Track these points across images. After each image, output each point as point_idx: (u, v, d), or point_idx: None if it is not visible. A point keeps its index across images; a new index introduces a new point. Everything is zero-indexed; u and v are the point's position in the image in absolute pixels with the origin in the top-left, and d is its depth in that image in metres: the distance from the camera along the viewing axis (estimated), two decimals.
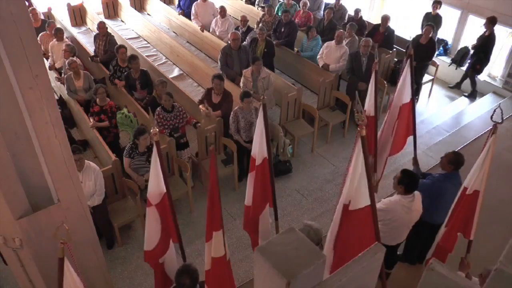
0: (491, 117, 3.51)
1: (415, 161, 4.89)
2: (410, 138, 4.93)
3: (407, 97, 4.64)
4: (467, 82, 8.73)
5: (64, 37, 8.08)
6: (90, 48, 8.41)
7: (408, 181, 3.95)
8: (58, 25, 9.53)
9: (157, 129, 3.26)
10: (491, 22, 7.80)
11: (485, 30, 7.91)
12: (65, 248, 2.60)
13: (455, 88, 8.93)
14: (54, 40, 7.73)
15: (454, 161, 4.28)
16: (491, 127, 3.71)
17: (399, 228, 4.13)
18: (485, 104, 8.29)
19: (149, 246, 3.75)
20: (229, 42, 7.31)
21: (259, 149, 3.80)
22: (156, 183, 3.47)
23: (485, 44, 7.93)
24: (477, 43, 8.08)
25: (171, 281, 4.03)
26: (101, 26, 7.92)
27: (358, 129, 2.81)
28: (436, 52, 8.38)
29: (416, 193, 4.03)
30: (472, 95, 8.65)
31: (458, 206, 3.87)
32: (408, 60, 4.51)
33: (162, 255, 3.85)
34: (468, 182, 3.76)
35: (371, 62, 6.94)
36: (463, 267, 3.84)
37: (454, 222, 3.93)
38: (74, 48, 7.35)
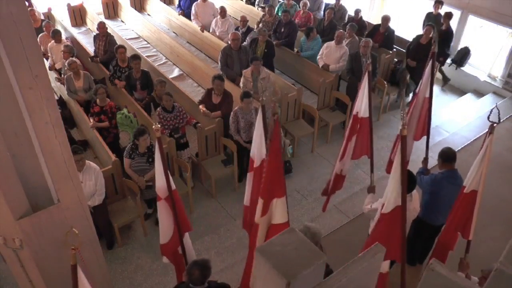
0: (488, 117, 3.53)
1: (425, 160, 4.92)
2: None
3: (427, 93, 4.73)
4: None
5: (64, 38, 8.08)
6: (90, 48, 8.41)
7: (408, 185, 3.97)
8: (58, 25, 9.56)
9: (159, 125, 3.29)
10: (447, 17, 8.17)
11: (442, 24, 8.25)
12: (77, 254, 2.53)
13: (445, 84, 9.06)
14: (53, 41, 7.73)
15: (441, 155, 4.31)
16: (487, 130, 3.72)
17: None
18: (486, 104, 8.29)
19: (164, 239, 3.83)
20: (229, 42, 7.30)
21: (257, 150, 3.80)
22: (162, 178, 3.54)
23: (445, 38, 8.19)
24: (438, 38, 8.36)
25: None
26: (101, 26, 7.92)
27: (400, 127, 2.82)
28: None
29: (414, 192, 4.04)
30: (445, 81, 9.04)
31: (457, 204, 3.90)
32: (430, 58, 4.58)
33: (178, 246, 3.91)
34: (466, 181, 3.78)
35: (371, 62, 6.94)
36: (462, 268, 3.85)
37: (452, 218, 3.95)
38: (73, 49, 7.35)
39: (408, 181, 3.97)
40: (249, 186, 4.06)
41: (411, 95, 8.37)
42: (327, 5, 9.94)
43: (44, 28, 8.10)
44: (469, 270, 3.82)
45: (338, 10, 9.30)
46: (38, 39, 7.84)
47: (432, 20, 8.32)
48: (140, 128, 5.33)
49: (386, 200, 3.22)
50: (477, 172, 3.65)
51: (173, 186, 3.60)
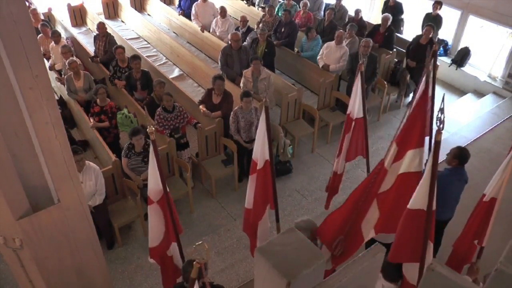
0: None
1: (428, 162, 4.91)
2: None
3: (428, 91, 4.73)
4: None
5: (64, 38, 8.06)
6: (91, 48, 8.41)
7: None
8: (58, 26, 9.57)
9: (153, 128, 3.28)
10: None
11: (391, 1, 9.18)
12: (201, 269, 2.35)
13: None
14: (53, 42, 7.73)
15: (458, 156, 4.33)
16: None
17: None
18: (486, 105, 8.28)
19: (154, 242, 3.80)
20: (230, 42, 7.28)
21: (261, 151, 3.79)
22: (155, 181, 3.51)
23: (394, 13, 8.88)
24: (387, 12, 8.92)
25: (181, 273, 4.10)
26: (101, 26, 7.92)
27: (435, 132, 2.77)
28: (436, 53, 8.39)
29: None
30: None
31: (474, 213, 3.81)
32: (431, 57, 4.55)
33: (168, 248, 3.89)
34: (487, 189, 3.70)
35: (372, 62, 6.95)
36: (472, 272, 3.79)
37: (469, 228, 3.87)
38: (71, 48, 7.36)
39: None
40: (251, 189, 4.03)
41: (411, 95, 8.38)
42: (327, 5, 9.95)
43: (40, 29, 8.08)
44: (478, 276, 3.78)
45: (338, 10, 9.30)
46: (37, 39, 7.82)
47: (431, 20, 8.32)
48: (134, 128, 5.31)
49: (414, 195, 3.19)
50: (498, 180, 3.58)
51: (167, 189, 3.57)
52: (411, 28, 9.62)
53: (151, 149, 3.38)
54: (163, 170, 3.58)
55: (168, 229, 3.75)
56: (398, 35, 9.05)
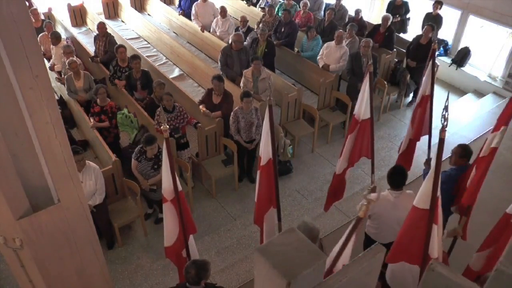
0: None
1: (427, 161, 4.91)
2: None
3: (427, 90, 4.75)
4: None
5: (64, 38, 8.06)
6: (91, 48, 8.41)
7: (395, 177, 4.01)
8: (59, 26, 9.56)
9: (167, 126, 3.29)
10: None
11: (398, 1, 9.35)
12: None
13: None
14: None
15: (465, 154, 4.34)
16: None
17: (387, 224, 4.11)
18: (486, 105, 8.28)
19: (169, 241, 3.82)
20: (232, 43, 7.26)
21: (265, 149, 3.81)
22: (168, 180, 3.54)
23: (401, 13, 9.33)
24: (394, 12, 9.30)
25: None
26: (101, 26, 7.92)
27: (440, 130, 2.77)
28: (437, 53, 8.39)
29: (410, 192, 4.04)
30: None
31: (498, 232, 3.64)
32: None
33: (182, 249, 3.90)
34: (510, 209, 3.56)
35: (372, 62, 6.94)
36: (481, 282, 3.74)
37: (493, 248, 3.68)
38: (73, 49, 7.35)
39: (395, 176, 3.99)
40: (257, 183, 4.07)
41: (411, 95, 8.38)
42: (327, 5, 9.95)
43: (45, 29, 8.11)
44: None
45: (338, 10, 9.30)
46: (38, 39, 7.83)
47: (431, 20, 8.32)
48: (149, 136, 5.15)
49: (419, 194, 3.17)
50: None
51: (180, 188, 3.59)
52: (411, 28, 9.62)
53: (164, 148, 3.41)
54: (174, 170, 3.58)
55: (184, 227, 3.78)
56: (401, 34, 9.09)
